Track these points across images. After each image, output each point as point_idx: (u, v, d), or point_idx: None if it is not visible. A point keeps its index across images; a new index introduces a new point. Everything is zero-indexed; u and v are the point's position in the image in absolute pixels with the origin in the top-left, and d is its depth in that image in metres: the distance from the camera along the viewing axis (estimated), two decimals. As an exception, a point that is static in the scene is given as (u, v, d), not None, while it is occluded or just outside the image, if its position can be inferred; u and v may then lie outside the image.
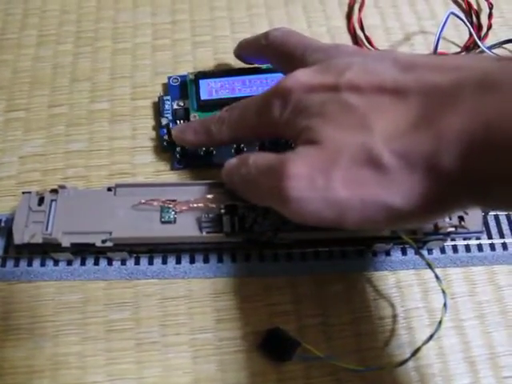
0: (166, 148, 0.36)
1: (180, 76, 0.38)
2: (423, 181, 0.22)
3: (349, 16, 0.44)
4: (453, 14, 0.38)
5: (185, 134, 0.34)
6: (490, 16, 0.42)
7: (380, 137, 0.23)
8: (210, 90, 0.36)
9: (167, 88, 0.38)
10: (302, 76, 0.27)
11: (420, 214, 0.23)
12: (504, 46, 0.41)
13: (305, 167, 0.24)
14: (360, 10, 0.43)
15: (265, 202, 0.28)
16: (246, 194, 0.29)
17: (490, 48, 0.40)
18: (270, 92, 0.28)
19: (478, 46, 0.40)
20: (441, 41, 0.38)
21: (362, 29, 0.42)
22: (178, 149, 0.35)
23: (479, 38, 0.41)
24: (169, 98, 0.37)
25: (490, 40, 0.42)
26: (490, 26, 0.42)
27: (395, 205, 0.22)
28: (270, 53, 0.33)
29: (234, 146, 0.36)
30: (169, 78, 0.39)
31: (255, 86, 0.36)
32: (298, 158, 0.25)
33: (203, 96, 0.36)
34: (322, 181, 0.24)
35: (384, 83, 0.24)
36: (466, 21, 0.39)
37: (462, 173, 0.21)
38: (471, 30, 0.40)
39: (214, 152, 0.35)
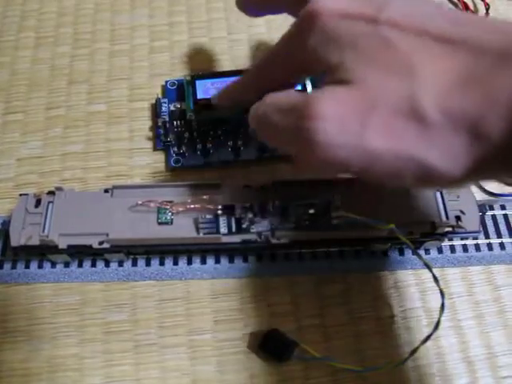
0: (162, 147, 0.36)
1: (177, 80, 0.38)
2: (467, 144, 0.20)
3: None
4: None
5: (220, 95, 0.32)
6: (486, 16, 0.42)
7: (429, 88, 0.21)
8: (206, 89, 0.36)
9: (164, 90, 0.38)
10: (333, 2, 0.23)
11: (454, 177, 0.21)
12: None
13: (335, 107, 0.21)
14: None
15: (284, 144, 0.24)
16: (264, 137, 0.26)
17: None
18: (295, 22, 0.25)
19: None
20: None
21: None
22: (174, 148, 0.35)
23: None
24: (166, 100, 0.37)
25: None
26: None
27: (432, 165, 0.21)
28: None
29: (231, 144, 0.36)
30: (166, 81, 0.39)
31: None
32: (328, 96, 0.22)
33: (200, 95, 0.36)
34: (355, 125, 0.21)
35: (431, 29, 0.21)
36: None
37: (509, 141, 0.19)
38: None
39: (211, 151, 0.35)
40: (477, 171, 0.21)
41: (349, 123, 0.21)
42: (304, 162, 0.23)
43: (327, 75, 0.23)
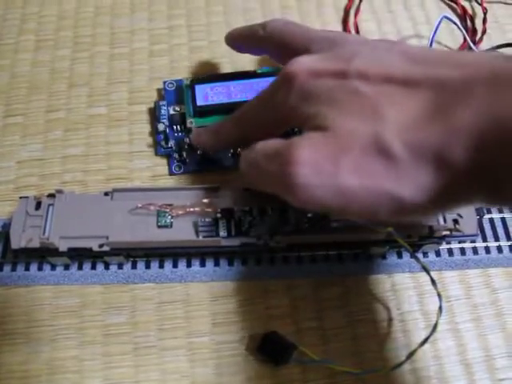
0: (163, 154, 0.36)
1: (175, 80, 0.38)
2: (433, 174, 0.22)
3: (345, 21, 0.44)
4: (446, 17, 0.39)
5: (199, 137, 0.34)
6: (484, 21, 0.42)
7: (392, 127, 0.22)
8: (205, 95, 0.36)
9: (163, 93, 0.39)
10: (308, 61, 0.26)
11: (426, 208, 0.23)
12: (498, 50, 0.41)
13: (312, 153, 0.23)
14: (356, 14, 0.43)
15: (270, 187, 0.27)
16: (252, 180, 0.28)
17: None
18: (274, 81, 0.28)
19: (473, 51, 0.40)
20: (435, 44, 0.38)
21: (358, 33, 0.42)
22: (175, 154, 0.36)
23: (474, 43, 0.41)
24: (165, 103, 0.37)
25: (485, 44, 0.42)
26: (484, 31, 0.42)
27: (403, 197, 0.22)
28: (268, 44, 0.32)
29: (232, 149, 0.36)
30: (164, 82, 0.39)
31: (252, 91, 0.36)
32: (305, 143, 0.24)
33: (199, 102, 0.36)
34: (329, 167, 0.23)
35: (394, 74, 0.24)
36: (459, 24, 0.39)
37: (473, 168, 0.21)
38: (465, 34, 0.40)
39: (211, 157, 0.36)
40: (447, 199, 0.23)
41: (323, 166, 0.23)
42: (289, 202, 0.25)
43: (306, 124, 0.25)
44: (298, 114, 0.26)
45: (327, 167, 0.23)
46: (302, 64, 0.26)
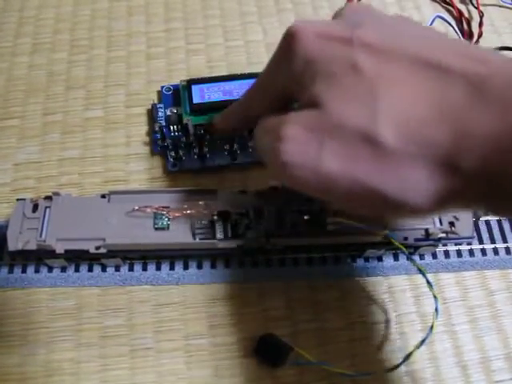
0: (159, 152, 0.37)
1: (172, 85, 0.39)
2: (431, 174, 0.20)
3: (341, 24, 0.44)
4: (439, 17, 0.39)
5: (215, 121, 0.34)
6: (480, 24, 0.43)
7: (388, 114, 0.21)
8: (202, 94, 0.36)
9: (160, 96, 0.39)
10: (313, 23, 0.24)
11: (416, 210, 0.21)
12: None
13: (300, 131, 0.22)
14: (352, 18, 0.43)
15: (266, 163, 0.25)
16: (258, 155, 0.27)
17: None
18: (277, 47, 0.26)
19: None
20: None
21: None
22: (171, 152, 0.36)
23: (469, 46, 0.42)
24: (162, 105, 0.38)
25: (481, 47, 0.42)
26: (480, 34, 0.42)
27: (384, 192, 0.21)
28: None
29: (228, 147, 0.36)
30: (162, 87, 0.39)
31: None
32: (296, 119, 0.23)
33: (195, 100, 0.36)
34: (313, 149, 0.22)
35: (402, 48, 0.21)
36: (454, 26, 0.40)
37: (478, 175, 0.19)
38: (460, 36, 0.40)
39: (208, 155, 0.36)
40: (446, 203, 0.21)
41: (308, 146, 0.22)
42: (274, 177, 0.25)
43: (304, 98, 0.23)
44: (299, 83, 0.24)
45: (311, 148, 0.22)
46: (308, 23, 0.24)
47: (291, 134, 0.22)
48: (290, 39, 0.24)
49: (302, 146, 0.22)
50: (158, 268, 0.33)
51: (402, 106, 0.21)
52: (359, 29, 0.23)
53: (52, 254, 0.30)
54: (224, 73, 0.40)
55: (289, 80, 0.25)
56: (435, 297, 0.29)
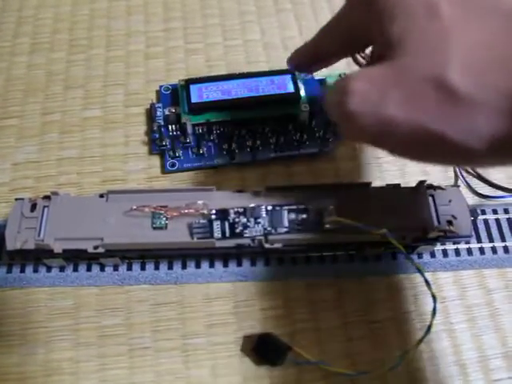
0: (158, 151, 0.37)
1: (171, 85, 0.39)
2: (499, 121, 0.20)
3: (340, 23, 0.44)
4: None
5: (290, 58, 0.32)
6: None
7: (462, 57, 0.20)
8: (200, 93, 0.36)
9: (159, 95, 0.39)
10: None
11: (474, 155, 0.21)
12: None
13: (364, 83, 0.22)
14: (351, 17, 0.43)
15: (335, 120, 0.25)
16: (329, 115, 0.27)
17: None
18: None
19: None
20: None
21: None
22: (169, 152, 0.36)
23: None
24: (160, 105, 0.38)
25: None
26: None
27: (452, 136, 0.20)
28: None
29: (226, 147, 0.36)
30: (160, 86, 0.39)
31: (247, 88, 0.37)
32: (363, 73, 0.23)
33: (194, 99, 0.36)
34: (375, 96, 0.22)
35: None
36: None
37: None
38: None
39: (206, 155, 0.36)
40: (506, 152, 0.21)
41: (371, 95, 0.22)
42: (344, 132, 0.25)
43: (379, 37, 0.23)
44: (378, 21, 0.24)
45: (373, 95, 0.22)
46: None
47: (357, 87, 0.22)
48: None
49: (366, 97, 0.22)
50: (157, 267, 0.33)
51: (475, 52, 0.20)
52: None
53: (50, 253, 0.30)
54: (223, 72, 0.40)
55: (367, 17, 0.25)
56: (433, 296, 0.29)
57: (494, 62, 0.20)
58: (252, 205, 0.31)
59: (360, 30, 0.26)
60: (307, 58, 0.31)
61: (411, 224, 0.31)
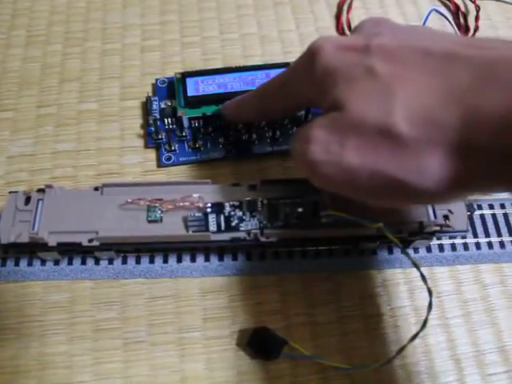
0: (153, 145, 0.36)
1: (167, 78, 0.39)
2: (447, 158, 0.21)
3: (337, 17, 0.44)
4: (435, 10, 0.39)
5: (225, 109, 0.35)
6: (476, 18, 0.42)
7: (403, 106, 0.22)
8: (196, 87, 0.36)
9: (155, 89, 0.39)
10: (333, 38, 0.26)
11: (432, 194, 0.22)
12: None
13: (324, 131, 0.24)
14: (348, 10, 0.43)
15: (298, 165, 0.27)
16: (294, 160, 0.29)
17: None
18: (299, 57, 0.28)
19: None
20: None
21: (351, 29, 0.42)
22: (165, 146, 0.36)
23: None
24: (156, 98, 0.37)
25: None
26: (476, 28, 0.42)
27: (407, 181, 0.22)
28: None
29: (222, 141, 0.36)
30: (156, 79, 0.39)
31: (243, 82, 0.36)
32: (320, 123, 0.25)
33: (190, 93, 0.36)
34: (336, 146, 0.24)
35: (413, 47, 0.23)
36: (450, 19, 0.40)
37: (492, 151, 0.20)
38: (456, 29, 0.40)
39: (202, 148, 0.36)
40: (459, 187, 0.22)
41: (331, 144, 0.24)
42: (311, 182, 0.26)
43: (326, 103, 0.25)
44: (320, 90, 0.26)
45: (334, 146, 0.24)
46: (328, 39, 0.26)
47: (316, 136, 0.24)
48: (312, 53, 0.26)
49: (326, 145, 0.24)
50: (152, 261, 0.33)
51: (415, 98, 0.22)
52: (376, 37, 0.25)
53: (45, 246, 0.30)
54: (219, 65, 0.40)
55: (309, 89, 0.27)
56: (429, 290, 0.29)
57: (435, 102, 0.22)
58: (248, 198, 0.31)
59: (304, 97, 0.29)
60: (251, 114, 0.34)
61: (407, 218, 0.31)
